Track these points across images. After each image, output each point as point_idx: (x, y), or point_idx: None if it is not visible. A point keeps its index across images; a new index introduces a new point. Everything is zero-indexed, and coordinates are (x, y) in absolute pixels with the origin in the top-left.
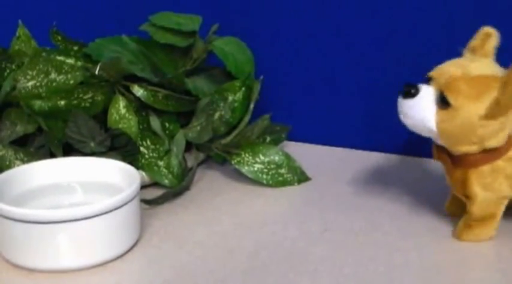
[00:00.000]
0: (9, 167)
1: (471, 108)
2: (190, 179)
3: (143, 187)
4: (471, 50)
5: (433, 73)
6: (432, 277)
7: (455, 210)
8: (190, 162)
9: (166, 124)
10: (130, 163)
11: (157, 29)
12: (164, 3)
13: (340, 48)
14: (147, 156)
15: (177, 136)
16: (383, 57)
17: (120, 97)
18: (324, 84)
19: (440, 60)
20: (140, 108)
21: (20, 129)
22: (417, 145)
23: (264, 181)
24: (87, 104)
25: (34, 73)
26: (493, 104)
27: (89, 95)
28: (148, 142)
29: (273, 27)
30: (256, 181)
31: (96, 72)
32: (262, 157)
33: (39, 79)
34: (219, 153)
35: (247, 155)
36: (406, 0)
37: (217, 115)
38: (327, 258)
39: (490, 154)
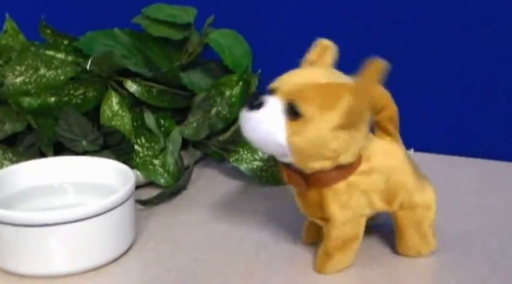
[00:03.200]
0: None
1: (323, 118)
2: (187, 178)
3: (138, 187)
4: (309, 62)
5: (275, 84)
6: None
7: (314, 237)
8: (187, 160)
9: (162, 121)
10: (125, 162)
11: (150, 22)
12: None
13: (339, 40)
14: (141, 155)
15: (172, 134)
16: (383, 50)
17: (113, 93)
18: None
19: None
20: (134, 104)
21: (8, 128)
22: (418, 139)
23: (263, 179)
24: (79, 101)
25: (22, 69)
26: (345, 114)
27: (80, 91)
28: (143, 140)
29: (270, 19)
30: (255, 179)
31: (88, 67)
32: (261, 154)
33: (28, 75)
34: (216, 151)
35: (245, 152)
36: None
37: (214, 111)
38: None
39: (344, 169)
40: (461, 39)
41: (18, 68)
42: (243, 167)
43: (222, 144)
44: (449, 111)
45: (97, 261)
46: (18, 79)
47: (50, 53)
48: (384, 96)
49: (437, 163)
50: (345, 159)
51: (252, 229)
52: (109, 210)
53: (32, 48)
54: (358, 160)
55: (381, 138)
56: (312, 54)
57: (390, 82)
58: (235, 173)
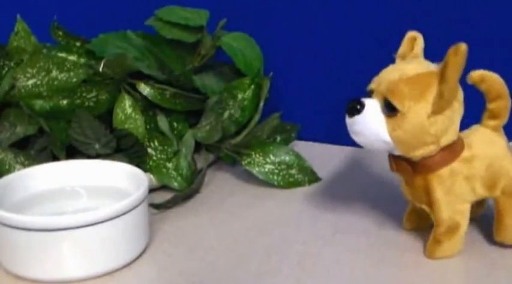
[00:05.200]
0: (9, 171)
1: (418, 109)
2: (200, 181)
3: (151, 190)
4: (401, 56)
5: (372, 85)
6: (444, 274)
7: (415, 225)
8: (200, 163)
9: (175, 124)
10: (138, 165)
11: (163, 24)
12: None
13: (351, 45)
14: (154, 158)
15: (185, 137)
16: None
17: (126, 96)
18: (335, 81)
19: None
20: (147, 107)
21: (20, 131)
22: None
23: (275, 183)
24: (91, 103)
25: (34, 71)
26: (436, 98)
27: (93, 94)
28: (156, 143)
29: (282, 22)
30: (267, 183)
31: (100, 70)
32: (272, 158)
33: (40, 77)
34: (229, 154)
35: (257, 155)
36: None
37: (226, 114)
38: (338, 260)
39: (447, 155)
40: None
41: (29, 70)
42: (255, 170)
43: (235, 147)
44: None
45: (110, 266)
46: (30, 82)
47: (62, 55)
48: (500, 85)
49: None
50: (447, 139)
51: (264, 232)
52: (122, 214)
53: (44, 50)
54: (461, 147)
55: (485, 126)
56: (401, 48)
57: None
58: (248, 176)
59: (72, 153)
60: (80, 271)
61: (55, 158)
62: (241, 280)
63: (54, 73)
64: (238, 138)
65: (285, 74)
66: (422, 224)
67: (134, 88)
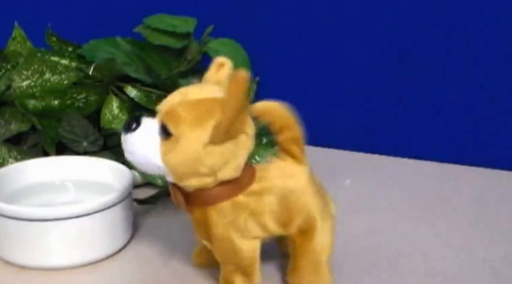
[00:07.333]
0: (2, 165)
1: (193, 136)
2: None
3: (136, 187)
4: (206, 81)
5: (159, 105)
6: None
7: (203, 260)
8: None
9: None
10: (123, 162)
11: (151, 31)
12: (159, 4)
13: (338, 49)
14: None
15: None
16: (383, 58)
17: (114, 98)
18: (322, 85)
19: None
20: (133, 108)
21: (14, 128)
22: (419, 147)
23: None
24: (81, 104)
25: (29, 73)
26: (215, 128)
27: (83, 95)
28: None
29: (268, 28)
30: None
31: (90, 73)
32: (258, 159)
33: (34, 79)
34: None
35: None
36: (404, 1)
37: None
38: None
39: (229, 188)
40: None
41: (25, 72)
42: None
43: None
44: (452, 120)
45: (95, 256)
46: (25, 83)
47: (55, 59)
48: (284, 116)
49: (440, 172)
50: (225, 174)
51: None
52: (107, 208)
53: (38, 54)
54: (249, 180)
55: (283, 160)
56: (208, 72)
57: (395, 89)
58: None
59: (62, 149)
60: (66, 260)
61: (46, 154)
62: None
63: (47, 75)
64: None
65: (272, 78)
66: (215, 261)
67: (122, 90)
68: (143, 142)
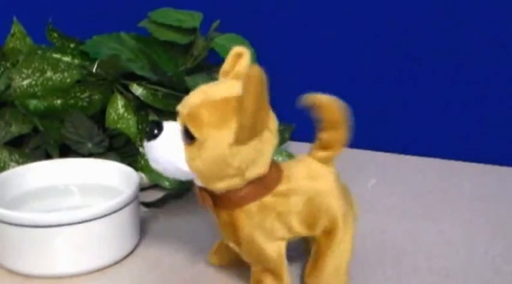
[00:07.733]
0: (3, 169)
1: (218, 137)
2: (191, 180)
3: (143, 189)
4: (224, 74)
5: (179, 106)
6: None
7: (221, 259)
8: None
9: None
10: (129, 164)
11: (157, 26)
12: None
13: (345, 46)
14: (146, 157)
15: None
16: (388, 56)
17: (119, 96)
18: (329, 81)
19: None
20: (139, 107)
21: (14, 130)
22: (423, 145)
23: None
24: (85, 103)
25: (29, 71)
26: (237, 128)
27: (86, 94)
28: None
29: (275, 23)
30: None
31: (94, 70)
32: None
33: (35, 77)
34: None
35: None
36: (407, 1)
37: None
38: None
39: (257, 189)
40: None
41: (25, 70)
42: None
43: None
44: (455, 117)
45: (101, 262)
46: (25, 82)
47: (57, 56)
48: (339, 116)
49: (442, 169)
50: (253, 173)
51: None
52: (113, 212)
53: (39, 51)
54: (276, 181)
55: (313, 157)
56: (225, 65)
57: (397, 87)
58: None
59: (66, 151)
60: (72, 267)
61: (49, 156)
62: (233, 278)
63: (48, 73)
64: None
65: (279, 75)
66: (233, 260)
67: (127, 88)
68: (167, 148)
